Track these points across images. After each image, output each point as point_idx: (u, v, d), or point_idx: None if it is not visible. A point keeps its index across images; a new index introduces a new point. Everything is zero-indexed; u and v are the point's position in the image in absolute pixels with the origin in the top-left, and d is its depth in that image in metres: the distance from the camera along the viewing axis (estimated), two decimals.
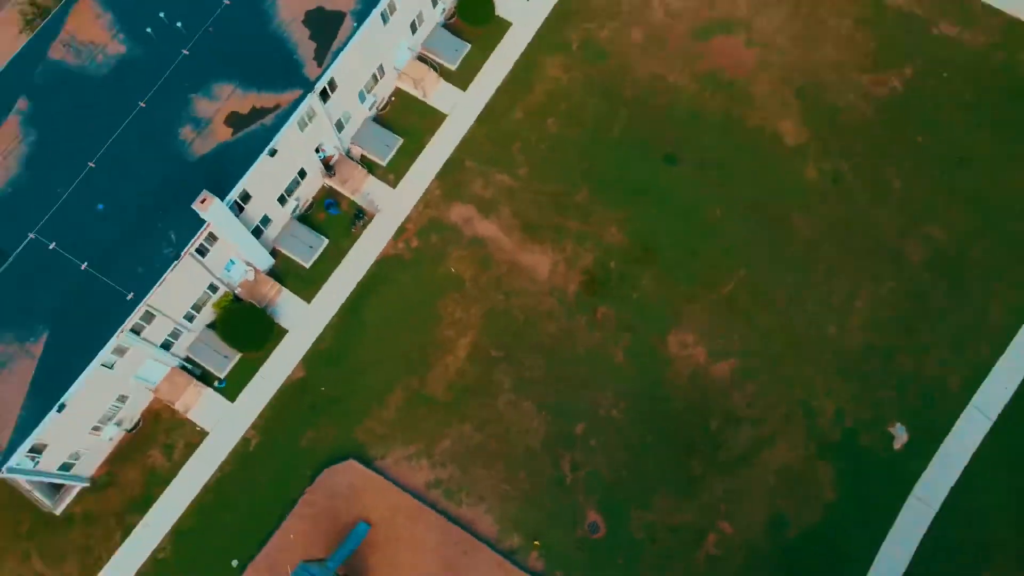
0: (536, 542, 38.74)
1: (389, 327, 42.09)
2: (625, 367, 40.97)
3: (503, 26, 46.91)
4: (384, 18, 40.80)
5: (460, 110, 45.52)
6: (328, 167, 43.92)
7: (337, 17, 38.96)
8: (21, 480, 37.74)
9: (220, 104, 37.65)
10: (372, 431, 40.47)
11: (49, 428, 34.72)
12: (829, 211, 43.02)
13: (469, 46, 46.23)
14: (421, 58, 45.87)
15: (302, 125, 39.35)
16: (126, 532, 39.16)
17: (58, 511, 39.33)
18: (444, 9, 46.29)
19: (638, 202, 43.49)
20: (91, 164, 36.56)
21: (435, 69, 45.70)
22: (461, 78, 46.14)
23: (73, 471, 38.33)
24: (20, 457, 34.17)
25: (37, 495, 38.97)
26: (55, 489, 39.31)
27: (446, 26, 46.73)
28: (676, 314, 41.67)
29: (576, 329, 41.69)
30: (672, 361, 40.93)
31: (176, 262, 36.22)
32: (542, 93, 45.71)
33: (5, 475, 33.90)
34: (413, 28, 44.32)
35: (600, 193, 43.75)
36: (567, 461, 39.80)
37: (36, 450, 35.11)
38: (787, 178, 43.74)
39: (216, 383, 41.31)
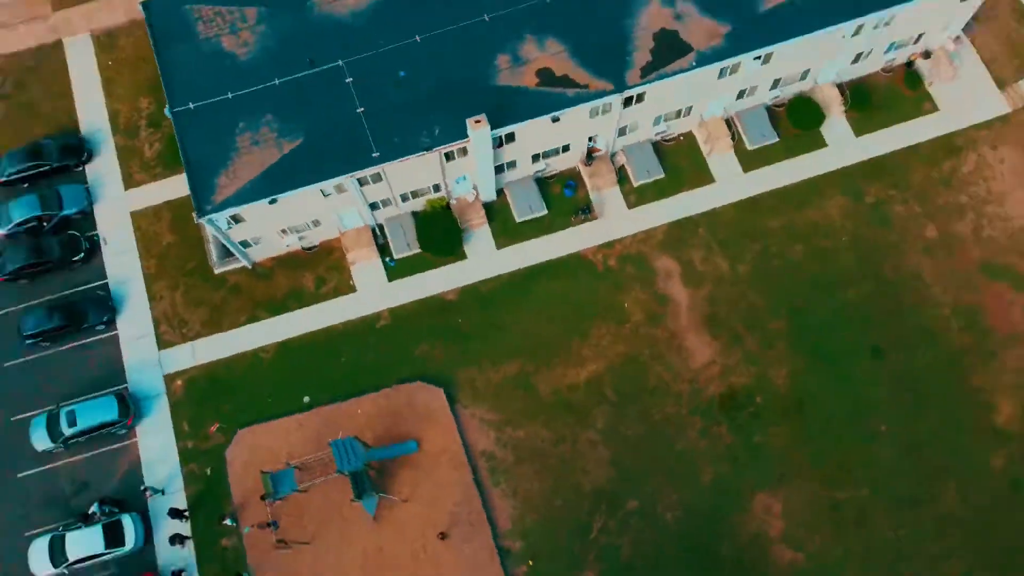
0: (530, 561, 40.23)
1: (544, 313, 43.97)
2: (705, 487, 40.94)
3: (817, 142, 46.25)
4: (721, 74, 41.34)
5: (729, 185, 45.73)
6: (589, 156, 45.54)
7: (684, 48, 39.83)
8: (210, 232, 43.43)
9: (542, 55, 39.81)
10: (472, 381, 43.01)
11: (255, 210, 39.53)
12: (987, 508, 40.21)
13: (777, 139, 45.99)
14: (728, 121, 46.03)
15: (593, 113, 40.93)
16: (251, 319, 44.25)
17: (217, 271, 44.90)
18: (777, 95, 46.03)
19: (820, 366, 42.41)
20: (417, 38, 40.04)
21: (732, 137, 45.83)
22: (749, 159, 46.17)
23: (248, 250, 43.46)
24: (222, 218, 39.33)
25: (212, 249, 44.70)
26: (226, 254, 44.74)
27: (769, 109, 46.52)
28: (780, 480, 40.89)
29: (689, 425, 41.93)
30: (747, 513, 40.48)
31: (426, 152, 39.41)
32: (809, 219, 45.02)
33: (203, 221, 39.11)
34: (740, 95, 44.49)
35: (794, 335, 42.98)
36: (601, 521, 40.70)
37: (236, 219, 40.08)
38: (972, 450, 41.12)
39: (388, 259, 45.05)
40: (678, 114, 44.49)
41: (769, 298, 43.85)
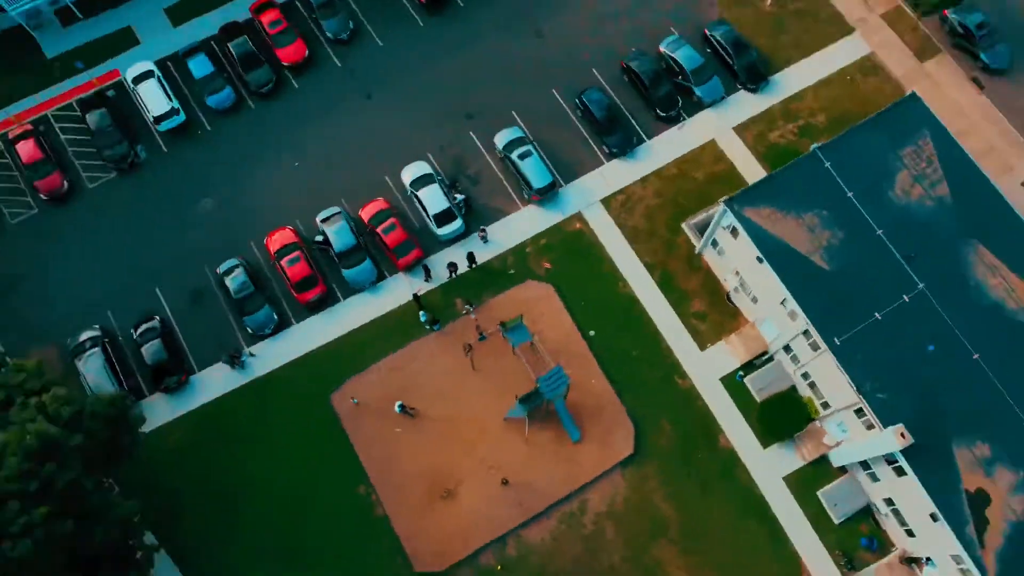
0: (499, 567, 43.21)
1: (731, 533, 43.34)
2: None
3: None
4: None
5: None
6: (911, 560, 41.73)
7: None
8: (717, 211, 44.54)
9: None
10: (644, 479, 44.23)
11: (745, 242, 41.67)
12: None
13: None
14: None
15: (956, 560, 37.50)
16: (648, 266, 47.81)
17: (683, 225, 48.17)
18: None
19: None
20: (976, 356, 38.08)
21: None
22: None
23: (707, 247, 46.28)
24: (731, 218, 41.98)
25: (703, 215, 47.97)
26: (700, 230, 47.46)
27: None
28: None
29: None
30: None
31: (855, 389, 38.66)
32: None
33: (723, 203, 41.63)
34: None
35: None
36: None
37: (732, 230, 42.64)
38: None
39: (741, 373, 45.86)
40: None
41: None
